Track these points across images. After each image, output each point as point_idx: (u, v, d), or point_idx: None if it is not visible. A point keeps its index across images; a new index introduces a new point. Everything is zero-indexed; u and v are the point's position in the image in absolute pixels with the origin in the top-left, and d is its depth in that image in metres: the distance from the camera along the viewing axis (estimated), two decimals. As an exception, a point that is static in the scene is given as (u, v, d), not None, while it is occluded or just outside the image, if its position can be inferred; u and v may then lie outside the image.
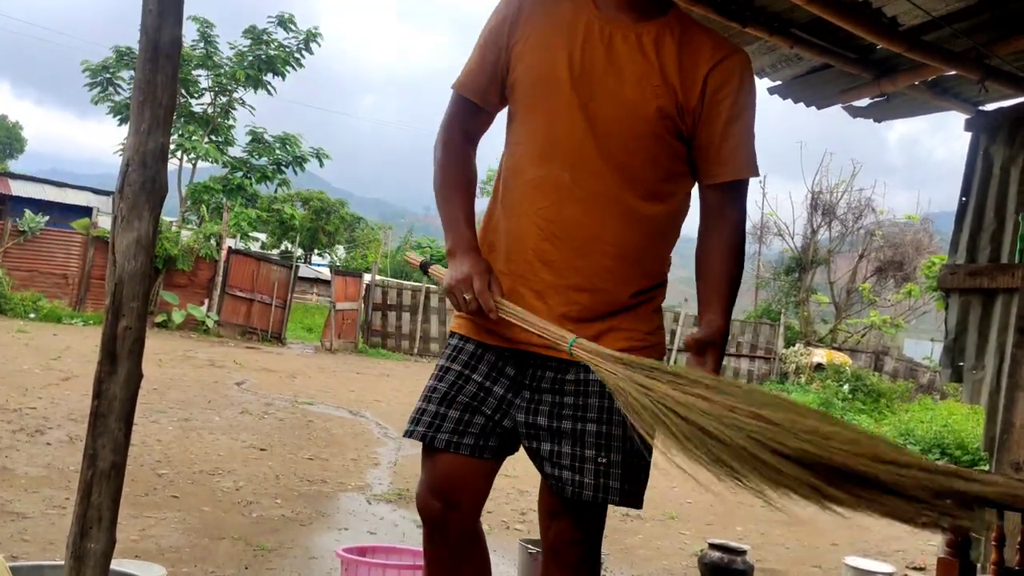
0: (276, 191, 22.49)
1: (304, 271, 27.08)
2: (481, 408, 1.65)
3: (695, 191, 1.76)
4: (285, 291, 16.43)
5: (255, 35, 18.99)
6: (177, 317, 14.93)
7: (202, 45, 18.58)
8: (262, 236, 29.29)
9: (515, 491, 5.26)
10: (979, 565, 2.97)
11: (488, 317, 1.59)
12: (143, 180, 1.49)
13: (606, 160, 1.61)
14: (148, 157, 1.49)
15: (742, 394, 1.40)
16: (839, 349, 18.75)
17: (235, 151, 20.04)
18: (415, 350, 16.85)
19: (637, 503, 1.65)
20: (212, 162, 19.19)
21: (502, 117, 1.81)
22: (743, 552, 3.74)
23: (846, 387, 13.70)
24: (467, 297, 1.59)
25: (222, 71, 18.80)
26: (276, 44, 19.02)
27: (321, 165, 21.23)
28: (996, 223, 3.90)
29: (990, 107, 4.13)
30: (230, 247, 16.45)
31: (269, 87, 19.31)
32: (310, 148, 20.86)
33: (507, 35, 1.67)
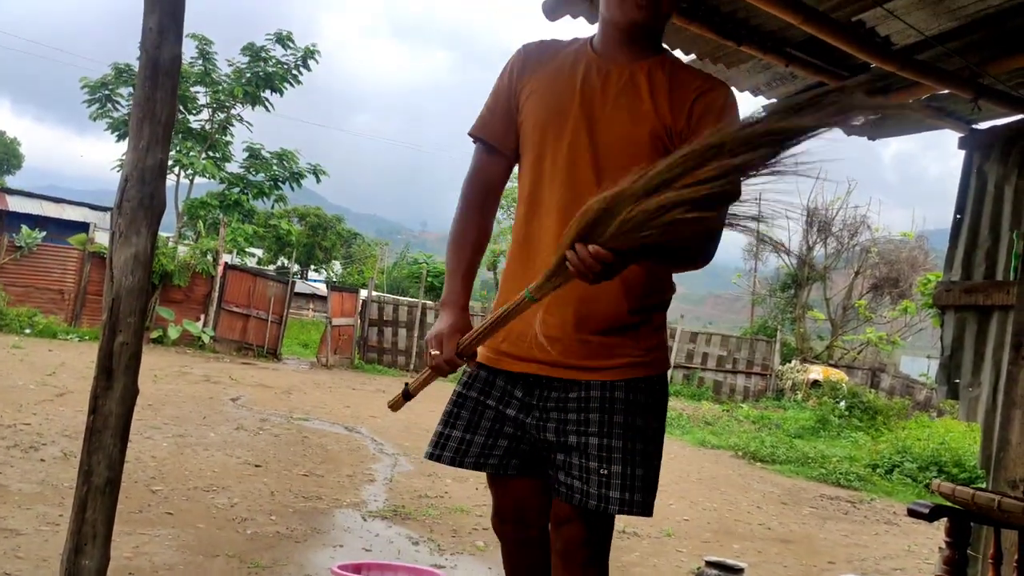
0: (273, 207, 22.52)
1: (300, 287, 27.06)
2: (503, 431, 1.83)
3: None
4: (281, 307, 16.41)
5: (253, 52, 19.06)
6: (173, 333, 14.90)
7: (200, 62, 18.64)
8: (259, 252, 29.31)
9: (511, 508, 5.24)
10: (976, 583, 2.96)
11: (449, 369, 1.77)
12: (141, 196, 1.50)
13: (601, 181, 1.71)
14: (146, 173, 1.50)
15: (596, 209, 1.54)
16: (835, 366, 18.73)
17: (232, 167, 20.07)
18: (411, 366, 16.82)
19: (641, 511, 1.75)
20: (209, 178, 19.21)
21: None
22: (740, 570, 3.73)
23: (843, 404, 13.68)
24: (433, 353, 1.78)
25: (220, 88, 18.86)
26: (274, 61, 19.10)
27: (318, 181, 21.26)
28: (991, 240, 3.92)
29: (983, 125, 4.16)
30: (226, 263, 16.43)
31: (267, 103, 19.38)
32: (307, 164, 20.90)
33: (516, 82, 1.86)
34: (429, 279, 24.79)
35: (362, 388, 12.59)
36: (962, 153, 4.15)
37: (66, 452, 5.25)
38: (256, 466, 5.71)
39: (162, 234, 15.87)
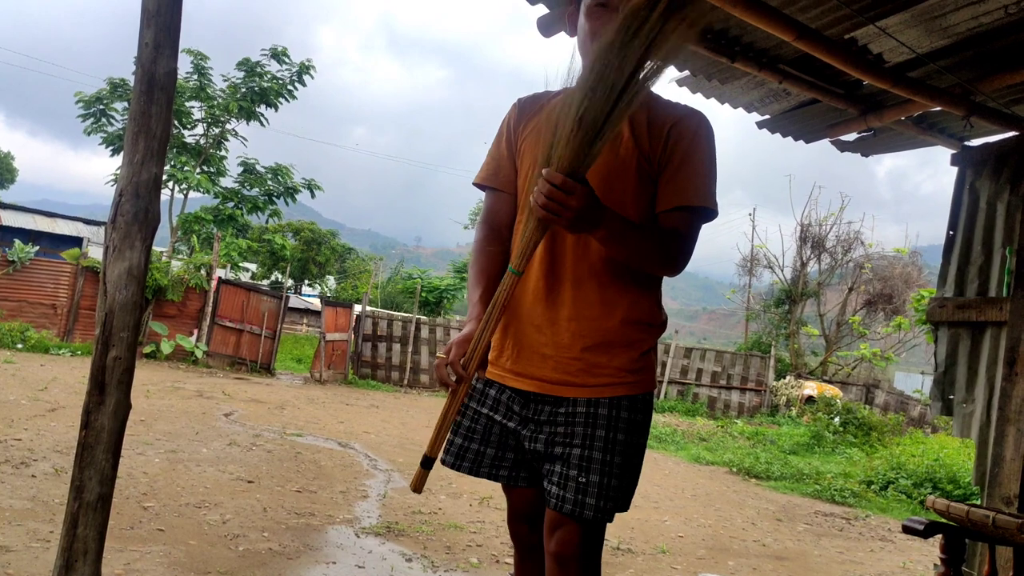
0: (267, 221, 22.50)
1: (294, 302, 27.00)
2: (509, 443, 2.00)
3: None
4: (275, 321, 16.37)
5: (249, 67, 19.12)
6: (166, 347, 14.84)
7: (196, 77, 18.69)
8: (252, 266, 29.27)
9: (505, 524, 5.21)
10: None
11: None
12: (136, 210, 1.49)
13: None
14: (141, 187, 1.50)
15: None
16: (829, 382, 18.75)
17: (227, 181, 20.09)
18: (405, 381, 16.77)
19: (610, 519, 1.89)
20: (204, 192, 19.22)
21: None
22: (735, 587, 3.71)
23: (837, 420, 13.68)
24: (440, 355, 1.93)
25: (215, 103, 18.90)
26: (269, 76, 19.16)
27: (312, 196, 21.28)
28: (983, 256, 3.93)
29: (975, 142, 4.19)
30: (220, 277, 16.40)
31: (262, 118, 19.42)
32: (302, 179, 20.92)
33: (513, 130, 2.06)
34: (423, 294, 24.76)
35: (356, 403, 12.55)
36: (955, 170, 4.18)
37: (57, 468, 5.21)
38: (249, 482, 5.68)
39: (156, 248, 15.82)
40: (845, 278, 22.52)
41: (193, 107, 18.91)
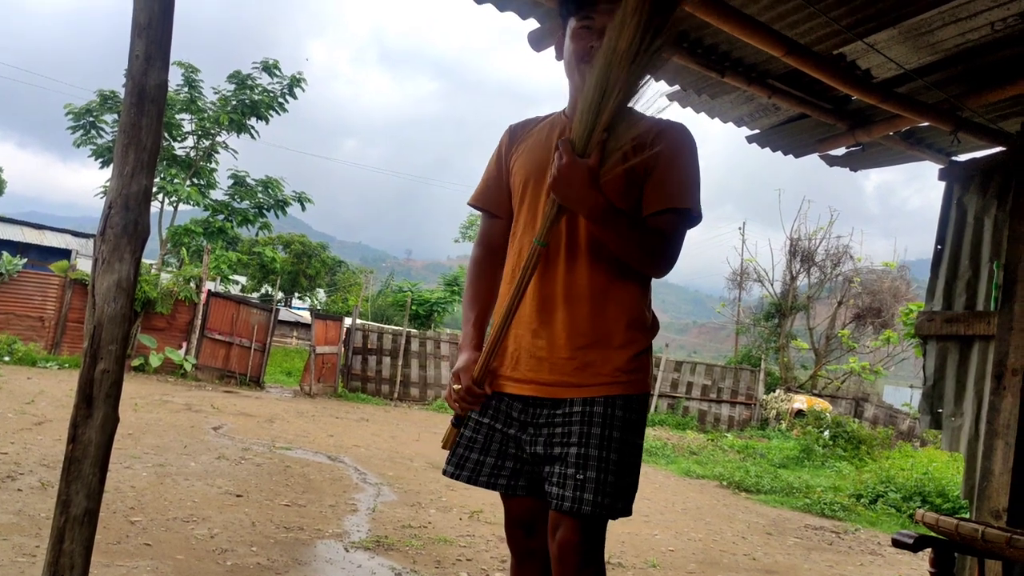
0: (257, 234, 22.46)
1: (284, 314, 26.92)
2: (508, 451, 2.05)
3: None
4: (265, 334, 16.31)
5: (239, 80, 19.12)
6: (155, 360, 14.76)
7: (186, 89, 18.67)
8: (242, 279, 29.20)
9: (495, 538, 5.19)
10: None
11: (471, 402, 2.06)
12: (125, 223, 1.49)
13: (579, 218, 1.98)
14: (131, 200, 1.49)
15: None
16: (819, 395, 18.79)
17: (217, 194, 20.05)
18: (395, 395, 16.72)
19: (611, 514, 1.92)
20: (193, 205, 19.16)
21: None
22: (725, 601, 3.70)
23: (827, 434, 13.69)
24: (455, 388, 2.06)
25: (206, 115, 18.88)
26: (260, 89, 19.16)
27: (303, 209, 21.24)
28: (971, 271, 3.95)
29: (963, 157, 4.22)
30: (210, 290, 16.34)
31: (252, 131, 19.41)
32: (292, 192, 20.89)
33: (505, 154, 2.19)
34: (414, 307, 24.72)
35: (346, 417, 12.50)
36: (942, 185, 4.20)
37: (44, 482, 5.17)
38: (237, 496, 5.64)
39: (145, 261, 15.79)
40: (834, 292, 22.60)
41: (184, 119, 18.88)
